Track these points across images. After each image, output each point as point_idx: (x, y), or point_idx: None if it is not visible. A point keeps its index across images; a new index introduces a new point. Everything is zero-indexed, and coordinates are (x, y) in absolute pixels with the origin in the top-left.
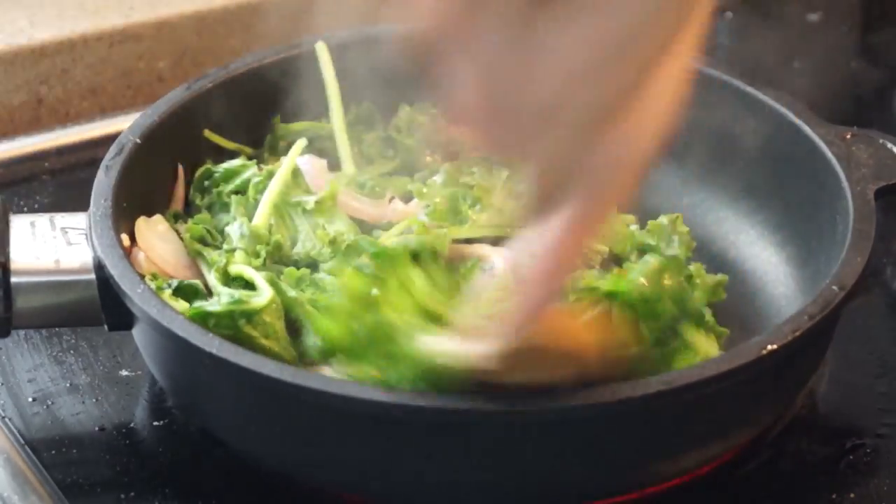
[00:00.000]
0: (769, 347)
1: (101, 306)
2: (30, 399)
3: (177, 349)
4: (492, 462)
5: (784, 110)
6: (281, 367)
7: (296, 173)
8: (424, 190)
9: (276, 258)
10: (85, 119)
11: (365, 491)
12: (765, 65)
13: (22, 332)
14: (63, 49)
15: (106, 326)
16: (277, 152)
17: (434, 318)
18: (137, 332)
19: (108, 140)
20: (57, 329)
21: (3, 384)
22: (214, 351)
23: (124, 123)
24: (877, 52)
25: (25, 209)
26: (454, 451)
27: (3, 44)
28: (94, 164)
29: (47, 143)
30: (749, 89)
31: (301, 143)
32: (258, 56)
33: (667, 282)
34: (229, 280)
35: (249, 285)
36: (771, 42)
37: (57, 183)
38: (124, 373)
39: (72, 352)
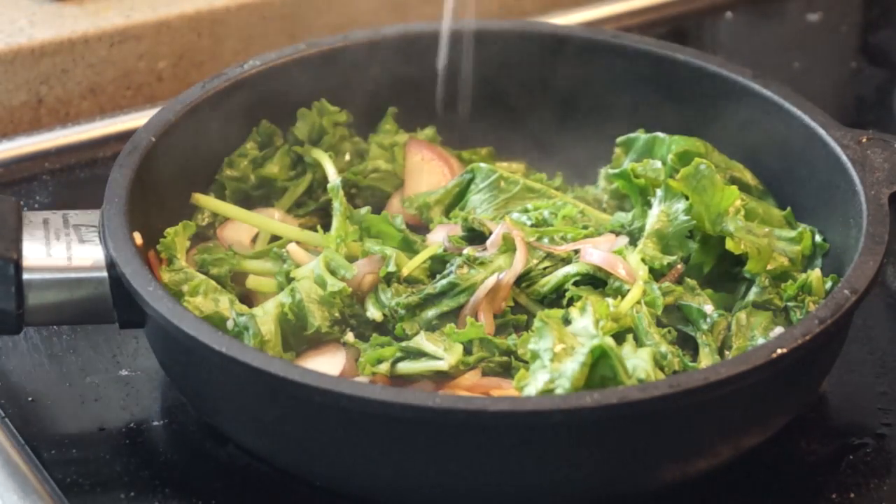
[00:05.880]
0: (779, 351)
1: (112, 304)
2: (30, 399)
3: (187, 347)
4: (497, 463)
5: (799, 113)
6: (290, 365)
7: None
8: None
9: None
10: (85, 119)
11: (369, 490)
12: (765, 65)
13: (22, 332)
14: (63, 49)
15: (117, 324)
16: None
17: None
18: (148, 330)
19: (108, 140)
20: (57, 329)
21: (2, 384)
22: (224, 349)
23: (124, 123)
24: (877, 52)
25: (25, 208)
26: (460, 452)
27: (3, 44)
28: (94, 164)
29: (47, 143)
30: (765, 92)
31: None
32: (273, 56)
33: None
34: None
35: None
36: (771, 42)
37: (57, 183)
38: (124, 373)
39: (72, 352)
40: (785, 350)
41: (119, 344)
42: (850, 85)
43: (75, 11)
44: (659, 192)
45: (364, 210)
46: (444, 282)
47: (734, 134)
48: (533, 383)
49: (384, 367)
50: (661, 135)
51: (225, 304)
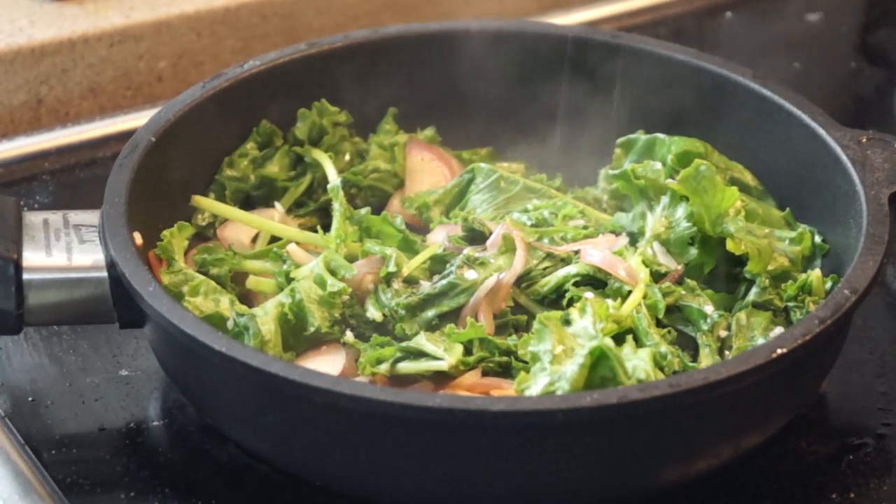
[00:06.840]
0: (779, 351)
1: (112, 304)
2: (30, 399)
3: (187, 347)
4: (497, 463)
5: (800, 113)
6: (290, 366)
7: None
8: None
9: None
10: (85, 119)
11: (369, 490)
12: (765, 65)
13: (22, 332)
14: (63, 49)
15: (117, 324)
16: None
17: None
18: (148, 330)
19: (108, 140)
20: (57, 329)
21: (3, 384)
22: (224, 349)
23: (124, 123)
24: (877, 52)
25: (25, 208)
26: (460, 452)
27: (3, 44)
28: (94, 164)
29: (47, 143)
30: (765, 92)
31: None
32: (272, 56)
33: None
34: None
35: None
36: (771, 42)
37: (57, 183)
38: (124, 373)
39: (72, 352)
40: (785, 350)
41: (119, 344)
42: (850, 85)
43: (75, 11)
44: (664, 198)
45: (364, 210)
46: (443, 282)
47: (734, 134)
48: (534, 386)
49: (384, 368)
50: (660, 136)
51: (225, 304)
